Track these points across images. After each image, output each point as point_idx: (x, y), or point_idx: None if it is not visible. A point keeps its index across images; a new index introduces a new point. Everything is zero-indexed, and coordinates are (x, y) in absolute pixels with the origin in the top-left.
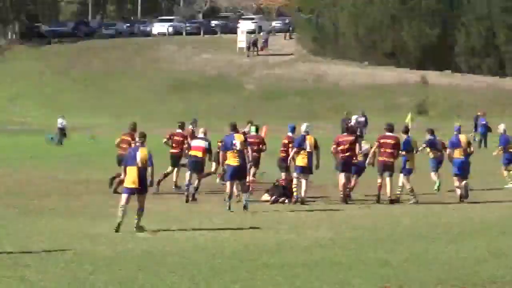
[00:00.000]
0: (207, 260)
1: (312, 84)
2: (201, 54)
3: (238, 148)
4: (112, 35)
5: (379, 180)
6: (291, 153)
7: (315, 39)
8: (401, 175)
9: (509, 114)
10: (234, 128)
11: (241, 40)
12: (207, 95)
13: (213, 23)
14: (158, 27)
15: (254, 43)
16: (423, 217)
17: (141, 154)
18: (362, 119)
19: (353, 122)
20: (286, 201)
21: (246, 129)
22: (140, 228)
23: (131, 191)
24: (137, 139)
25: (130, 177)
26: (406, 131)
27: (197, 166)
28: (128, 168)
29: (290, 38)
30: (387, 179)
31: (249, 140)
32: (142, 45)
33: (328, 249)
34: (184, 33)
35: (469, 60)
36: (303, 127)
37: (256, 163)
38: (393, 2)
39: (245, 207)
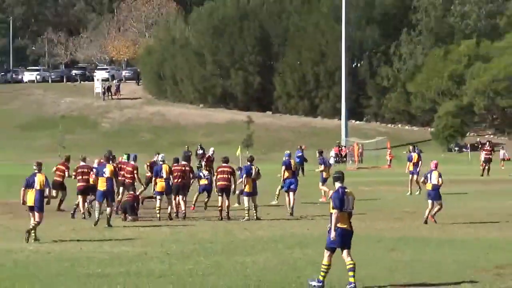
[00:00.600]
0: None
1: (158, 123)
2: (64, 98)
3: (107, 176)
4: None
5: (220, 200)
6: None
7: (158, 86)
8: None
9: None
10: (108, 159)
11: (97, 86)
12: (71, 132)
13: (74, 72)
14: (28, 75)
15: (108, 89)
16: (258, 230)
17: None
18: (201, 151)
19: (210, 153)
20: (130, 217)
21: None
22: None
23: None
24: None
25: None
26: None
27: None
28: None
29: (138, 84)
30: (225, 200)
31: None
32: (15, 90)
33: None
34: (49, 80)
35: (286, 103)
36: (159, 157)
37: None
38: (222, 55)
39: (109, 225)
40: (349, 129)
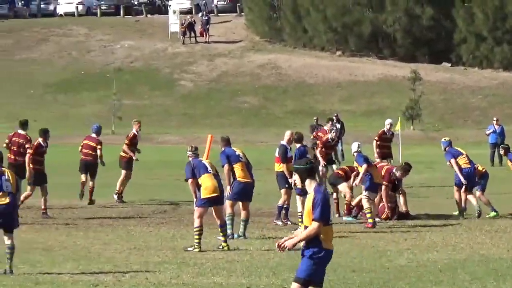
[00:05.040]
0: None
1: (269, 80)
2: (121, 41)
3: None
4: (3, 15)
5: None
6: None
7: (270, 22)
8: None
9: None
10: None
11: (174, 22)
12: (131, 94)
13: (137, 0)
14: (64, 6)
15: (191, 27)
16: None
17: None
18: (337, 126)
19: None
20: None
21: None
22: None
23: None
24: None
25: None
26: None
27: None
28: None
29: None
30: None
31: None
32: (44, 28)
33: None
34: (98, 13)
35: (473, 49)
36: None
37: None
38: None
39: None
40: None
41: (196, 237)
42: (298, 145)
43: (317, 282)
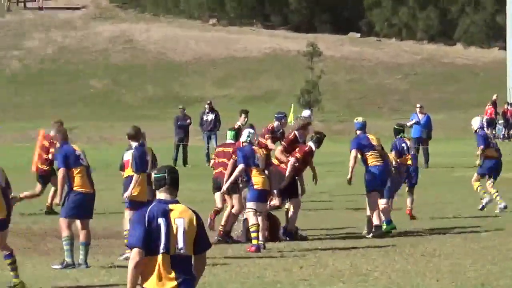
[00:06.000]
0: None
1: (122, 58)
2: None
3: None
4: None
5: None
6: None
7: None
8: None
9: (469, 104)
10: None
11: None
12: None
13: None
14: None
15: None
16: None
17: None
18: (211, 116)
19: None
20: None
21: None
22: None
23: None
24: None
25: None
26: None
27: None
28: None
29: None
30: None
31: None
32: None
33: None
34: None
35: (387, 15)
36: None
37: None
38: None
39: None
40: None
41: None
42: (134, 144)
43: None
